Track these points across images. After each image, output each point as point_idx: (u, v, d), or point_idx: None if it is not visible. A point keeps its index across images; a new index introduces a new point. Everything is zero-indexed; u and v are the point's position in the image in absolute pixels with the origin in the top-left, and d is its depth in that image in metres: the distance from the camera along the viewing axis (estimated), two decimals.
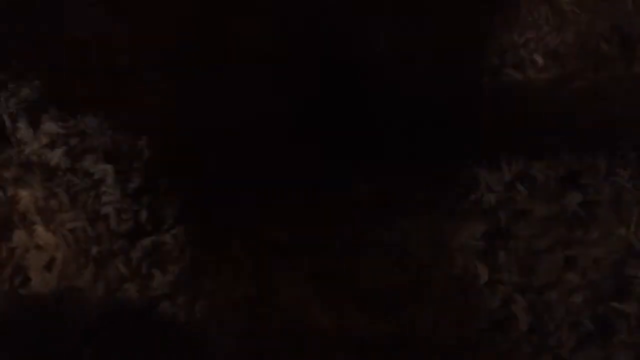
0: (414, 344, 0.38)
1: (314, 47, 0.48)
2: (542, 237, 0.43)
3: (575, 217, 0.44)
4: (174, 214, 0.44)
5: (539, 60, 0.56)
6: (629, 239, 0.43)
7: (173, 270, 0.41)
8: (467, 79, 0.52)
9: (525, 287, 0.41)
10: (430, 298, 0.41)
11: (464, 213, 0.44)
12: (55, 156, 0.47)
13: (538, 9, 0.58)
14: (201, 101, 0.48)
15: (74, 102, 0.50)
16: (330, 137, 0.47)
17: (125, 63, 0.51)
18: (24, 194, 0.45)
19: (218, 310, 0.40)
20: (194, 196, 0.45)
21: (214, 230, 0.44)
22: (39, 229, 0.43)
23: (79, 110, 0.49)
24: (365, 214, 0.45)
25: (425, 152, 0.47)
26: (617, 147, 0.49)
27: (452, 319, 0.40)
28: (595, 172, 0.47)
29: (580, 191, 0.46)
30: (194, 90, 0.49)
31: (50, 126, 0.49)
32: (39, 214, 0.44)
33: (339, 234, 0.43)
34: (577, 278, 0.41)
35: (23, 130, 0.49)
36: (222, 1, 0.49)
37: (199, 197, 0.45)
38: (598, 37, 0.56)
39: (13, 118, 0.50)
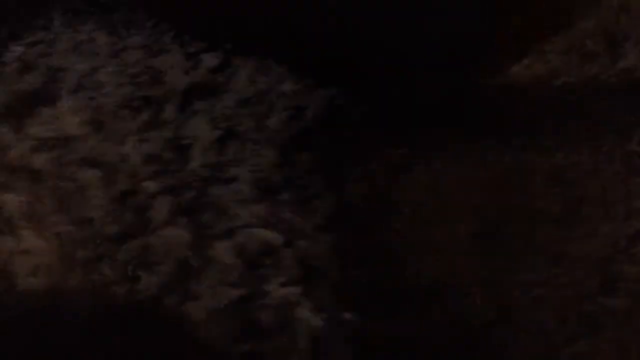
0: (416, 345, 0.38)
1: None
2: (530, 234, 0.43)
3: (561, 214, 0.45)
4: (162, 215, 0.44)
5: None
6: (615, 235, 0.43)
7: (160, 272, 0.41)
8: None
9: (514, 285, 0.41)
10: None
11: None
12: (40, 160, 0.47)
13: None
14: None
15: None
16: None
17: None
18: (9, 199, 0.45)
19: (207, 312, 0.39)
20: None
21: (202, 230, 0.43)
22: (25, 233, 0.43)
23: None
24: None
25: None
26: (602, 143, 0.49)
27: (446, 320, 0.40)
28: (580, 168, 0.47)
29: (565, 187, 0.46)
30: None
31: (35, 130, 0.49)
32: (24, 218, 0.44)
33: None
34: (564, 274, 0.41)
35: (6, 133, 0.49)
36: None
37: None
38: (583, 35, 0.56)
39: None
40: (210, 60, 0.53)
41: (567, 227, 0.44)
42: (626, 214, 0.45)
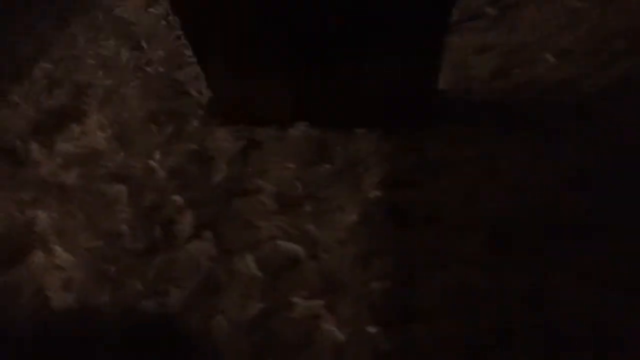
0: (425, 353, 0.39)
1: None
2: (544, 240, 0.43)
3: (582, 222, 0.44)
4: (187, 229, 0.44)
5: (550, 58, 0.55)
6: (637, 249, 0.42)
7: (188, 286, 0.41)
8: None
9: (526, 293, 0.40)
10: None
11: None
12: (70, 176, 0.48)
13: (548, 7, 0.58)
14: None
15: None
16: None
17: None
18: (41, 215, 0.46)
19: (233, 325, 0.40)
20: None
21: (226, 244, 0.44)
22: (57, 249, 0.44)
23: None
24: None
25: None
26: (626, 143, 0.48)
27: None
28: (602, 172, 0.46)
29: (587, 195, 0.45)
30: None
31: (64, 146, 0.50)
32: (55, 234, 0.45)
33: None
34: (582, 286, 0.40)
35: (36, 151, 0.50)
36: None
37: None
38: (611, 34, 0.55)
39: (25, 141, 0.51)
40: None
41: (591, 241, 0.43)
42: None
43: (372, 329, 0.38)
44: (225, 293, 0.40)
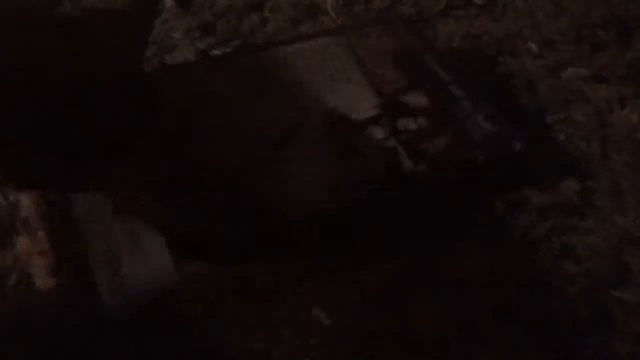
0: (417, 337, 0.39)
1: None
2: (539, 226, 0.43)
3: (572, 205, 0.45)
4: None
5: (534, 47, 0.56)
6: (626, 226, 0.44)
7: None
8: None
9: (524, 279, 0.41)
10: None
11: None
12: None
13: None
14: None
15: None
16: None
17: None
18: (25, 200, 0.46)
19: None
20: None
21: None
22: (41, 234, 0.44)
23: None
24: None
25: None
26: (610, 132, 0.49)
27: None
28: (590, 158, 0.47)
29: (577, 179, 0.46)
30: None
31: None
32: (39, 219, 0.44)
33: None
34: (575, 266, 0.41)
35: None
36: None
37: None
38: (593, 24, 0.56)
39: None
40: None
41: (577, 219, 0.44)
42: (637, 203, 0.45)
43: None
44: None
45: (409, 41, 0.52)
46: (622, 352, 0.38)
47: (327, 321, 0.39)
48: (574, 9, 0.58)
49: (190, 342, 0.38)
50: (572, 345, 0.38)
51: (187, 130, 0.45)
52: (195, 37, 0.57)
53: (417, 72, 0.49)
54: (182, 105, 0.46)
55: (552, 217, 0.44)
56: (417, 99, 0.47)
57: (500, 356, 0.38)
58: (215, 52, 0.56)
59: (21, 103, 0.40)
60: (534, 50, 0.56)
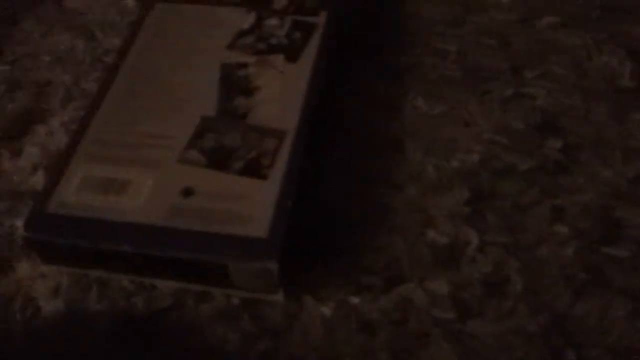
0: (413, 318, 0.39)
1: None
2: (527, 191, 0.43)
3: (558, 164, 0.45)
4: None
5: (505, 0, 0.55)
6: (614, 180, 0.44)
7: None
8: None
9: (516, 246, 0.41)
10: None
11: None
12: (39, 181, 0.48)
13: None
14: None
15: None
16: None
17: None
18: (20, 224, 0.46)
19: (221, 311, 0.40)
20: None
21: None
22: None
23: None
24: None
25: None
26: (591, 83, 0.49)
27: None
28: (572, 113, 0.47)
29: (560, 136, 0.46)
30: None
31: (31, 150, 0.50)
32: None
33: None
34: (566, 229, 0.41)
35: (6, 159, 0.49)
36: None
37: None
38: None
39: None
40: None
41: (565, 178, 0.44)
42: (624, 156, 0.45)
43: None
44: None
45: None
46: (620, 311, 0.38)
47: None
48: None
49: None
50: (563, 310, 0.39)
51: None
52: None
53: None
54: None
55: (540, 181, 0.44)
56: None
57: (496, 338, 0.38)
58: None
59: None
60: (503, 4, 0.55)
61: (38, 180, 0.48)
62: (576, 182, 0.44)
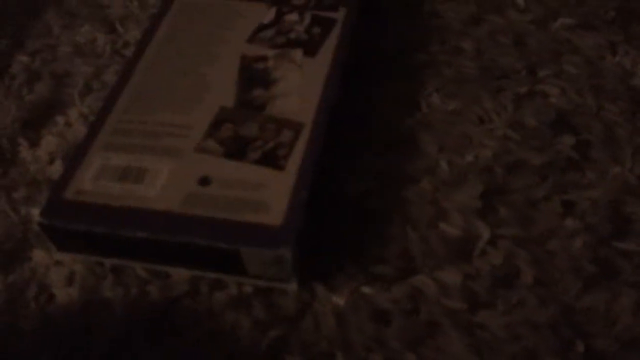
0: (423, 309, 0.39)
1: None
2: (539, 185, 0.44)
3: (570, 161, 0.45)
4: None
5: (520, 2, 0.56)
6: (624, 176, 0.44)
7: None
8: None
9: (527, 239, 0.41)
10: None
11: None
12: (57, 171, 0.48)
13: None
14: None
15: None
16: None
17: None
18: (36, 212, 0.46)
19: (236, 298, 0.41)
20: None
21: None
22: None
23: None
24: None
25: None
26: (603, 81, 0.49)
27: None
28: (585, 110, 0.48)
29: (572, 133, 0.46)
30: None
31: (50, 140, 0.50)
32: None
33: None
34: (576, 223, 0.42)
35: (24, 148, 0.50)
36: None
37: None
38: None
39: (12, 139, 0.51)
40: None
41: (576, 173, 0.44)
42: (634, 153, 0.45)
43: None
44: None
45: None
46: (628, 302, 0.39)
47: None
48: None
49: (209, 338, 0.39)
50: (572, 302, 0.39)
51: None
52: None
53: None
54: None
55: (552, 176, 0.44)
56: None
57: (506, 329, 0.38)
58: None
59: None
60: (520, 4, 0.56)
61: (55, 170, 0.48)
62: (587, 178, 0.44)
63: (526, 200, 0.43)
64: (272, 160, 0.42)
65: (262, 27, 0.51)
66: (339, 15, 0.51)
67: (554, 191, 0.44)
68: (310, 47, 0.49)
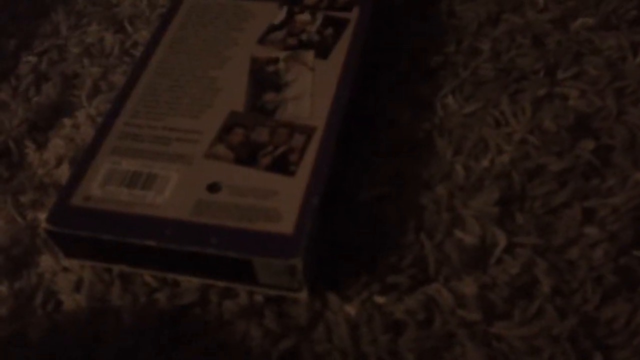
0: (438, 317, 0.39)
1: None
2: (558, 192, 0.43)
3: (590, 166, 0.44)
4: None
5: (539, 1, 0.55)
6: None
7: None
8: None
9: (545, 248, 0.40)
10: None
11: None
12: (64, 174, 0.48)
13: None
14: None
15: None
16: None
17: None
18: (43, 217, 0.46)
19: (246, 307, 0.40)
20: None
21: None
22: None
23: None
24: None
25: None
26: (625, 84, 0.48)
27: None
28: (606, 114, 0.47)
29: (592, 137, 0.45)
30: None
31: (57, 142, 0.50)
32: None
33: None
34: (597, 231, 0.41)
35: (31, 151, 0.49)
36: None
37: None
38: None
39: (19, 141, 0.50)
40: None
41: (596, 180, 0.43)
42: None
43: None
44: None
45: None
46: None
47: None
48: None
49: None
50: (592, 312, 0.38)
51: None
52: None
53: None
54: None
55: (571, 182, 0.43)
56: None
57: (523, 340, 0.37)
58: None
59: None
60: (539, 3, 0.54)
61: (63, 173, 0.48)
62: (608, 184, 0.43)
63: (545, 207, 0.42)
64: (282, 166, 0.41)
65: (273, 28, 0.50)
66: (352, 15, 0.50)
67: (574, 198, 0.42)
68: (322, 49, 0.48)
